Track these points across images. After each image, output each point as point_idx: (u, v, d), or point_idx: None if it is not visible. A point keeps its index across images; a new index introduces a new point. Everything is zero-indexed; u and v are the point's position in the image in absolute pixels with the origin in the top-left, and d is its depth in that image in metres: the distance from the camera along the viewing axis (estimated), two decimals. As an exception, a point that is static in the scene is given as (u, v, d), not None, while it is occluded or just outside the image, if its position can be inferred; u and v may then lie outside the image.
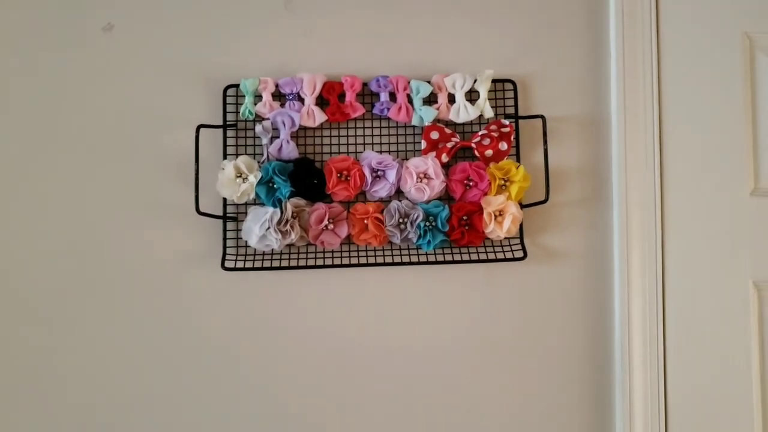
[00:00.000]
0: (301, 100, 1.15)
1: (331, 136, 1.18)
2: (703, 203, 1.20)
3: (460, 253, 1.17)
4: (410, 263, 1.15)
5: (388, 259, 1.16)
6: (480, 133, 1.15)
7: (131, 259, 1.14)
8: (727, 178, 1.20)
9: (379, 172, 1.13)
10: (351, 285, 1.17)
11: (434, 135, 1.15)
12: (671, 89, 1.21)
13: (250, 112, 1.13)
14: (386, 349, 1.17)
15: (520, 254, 1.17)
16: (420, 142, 1.17)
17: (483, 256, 1.17)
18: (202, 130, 1.11)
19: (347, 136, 1.18)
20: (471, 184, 1.14)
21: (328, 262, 1.15)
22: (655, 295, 1.18)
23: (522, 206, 1.16)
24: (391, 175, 1.12)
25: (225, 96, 1.15)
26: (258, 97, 1.14)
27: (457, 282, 1.19)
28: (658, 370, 1.18)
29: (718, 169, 1.20)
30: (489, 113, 1.16)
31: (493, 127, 1.16)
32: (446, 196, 1.18)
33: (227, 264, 1.12)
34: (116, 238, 1.14)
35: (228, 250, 1.14)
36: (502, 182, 1.14)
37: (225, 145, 1.15)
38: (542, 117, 1.15)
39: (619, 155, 1.20)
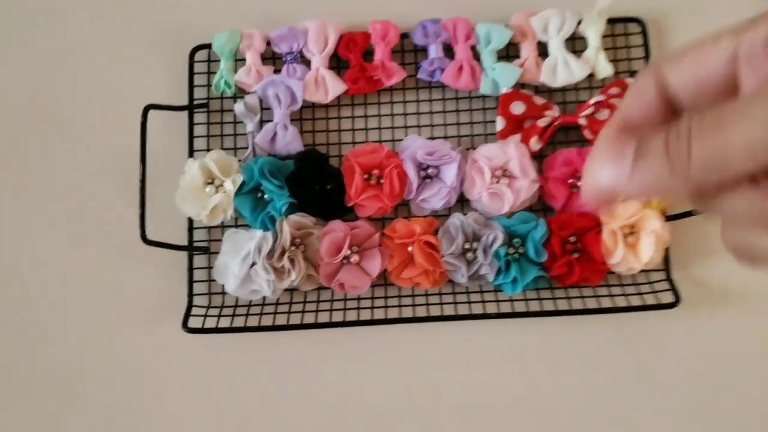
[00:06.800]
0: (306, 62, 0.74)
1: (353, 117, 0.76)
2: None
3: (568, 299, 0.72)
4: (484, 316, 0.70)
5: (449, 311, 0.72)
6: (592, 102, 0.71)
7: (45, 307, 0.74)
8: None
9: (429, 170, 0.71)
10: (389, 353, 0.73)
11: (517, 108, 0.72)
12: None
13: (227, 84, 0.73)
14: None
15: (668, 297, 0.70)
16: (494, 121, 0.73)
17: (606, 303, 0.71)
18: (154, 113, 0.71)
19: (379, 115, 0.76)
20: (581, 184, 0.70)
21: (352, 317, 0.71)
22: None
23: (667, 218, 0.70)
24: (449, 174, 0.70)
25: (192, 62, 0.76)
26: (240, 62, 0.74)
27: (565, 345, 0.73)
28: None
29: None
30: (605, 71, 0.73)
31: (612, 90, 0.72)
32: (540, 206, 0.74)
33: (191, 323, 0.70)
34: (27, 275, 0.75)
35: (195, 300, 0.72)
36: (634, 180, 0.69)
37: (191, 137, 0.75)
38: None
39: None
